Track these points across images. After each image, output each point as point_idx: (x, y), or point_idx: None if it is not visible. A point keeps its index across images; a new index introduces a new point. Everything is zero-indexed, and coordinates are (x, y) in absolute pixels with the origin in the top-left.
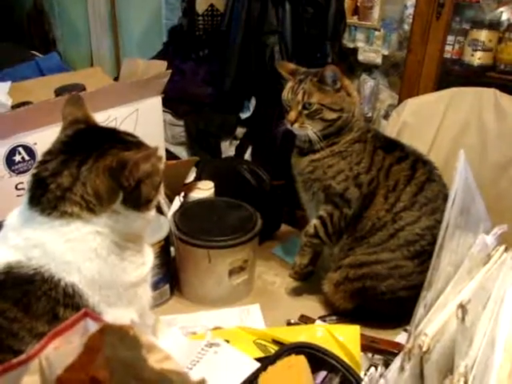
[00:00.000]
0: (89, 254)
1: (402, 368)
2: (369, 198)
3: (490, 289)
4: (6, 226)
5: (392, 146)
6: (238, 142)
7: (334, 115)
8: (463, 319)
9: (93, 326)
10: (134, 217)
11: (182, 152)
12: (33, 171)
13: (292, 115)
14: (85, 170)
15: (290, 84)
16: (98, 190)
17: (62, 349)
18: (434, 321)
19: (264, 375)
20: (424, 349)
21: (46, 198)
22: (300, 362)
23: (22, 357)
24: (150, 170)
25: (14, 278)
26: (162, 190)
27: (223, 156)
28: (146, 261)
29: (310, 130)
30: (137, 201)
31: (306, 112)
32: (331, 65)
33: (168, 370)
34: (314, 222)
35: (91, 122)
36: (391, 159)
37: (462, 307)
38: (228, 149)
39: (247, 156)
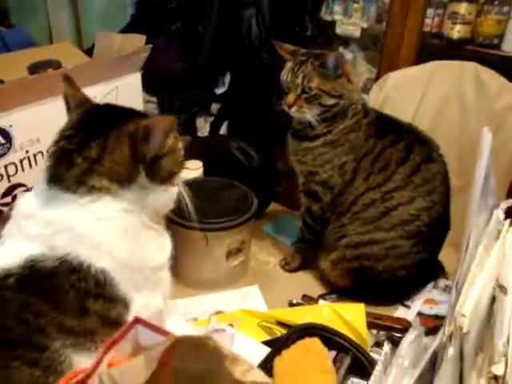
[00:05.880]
0: (120, 234)
1: (446, 353)
2: (350, 182)
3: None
4: (18, 215)
5: (387, 130)
6: (212, 118)
7: (332, 101)
8: (506, 294)
9: (143, 332)
10: (159, 190)
11: None
12: (53, 148)
13: (290, 98)
14: (111, 138)
15: (289, 65)
16: (125, 157)
17: (124, 366)
18: (467, 301)
19: (279, 360)
20: (464, 330)
21: (71, 173)
22: (316, 345)
23: (81, 375)
24: (171, 143)
25: (39, 270)
26: (184, 164)
27: (199, 133)
28: (167, 244)
29: (308, 114)
30: (159, 174)
31: (304, 96)
32: (335, 51)
33: (254, 382)
34: (299, 225)
35: (91, 101)
36: (383, 144)
37: (501, 287)
38: (203, 125)
39: (222, 132)
